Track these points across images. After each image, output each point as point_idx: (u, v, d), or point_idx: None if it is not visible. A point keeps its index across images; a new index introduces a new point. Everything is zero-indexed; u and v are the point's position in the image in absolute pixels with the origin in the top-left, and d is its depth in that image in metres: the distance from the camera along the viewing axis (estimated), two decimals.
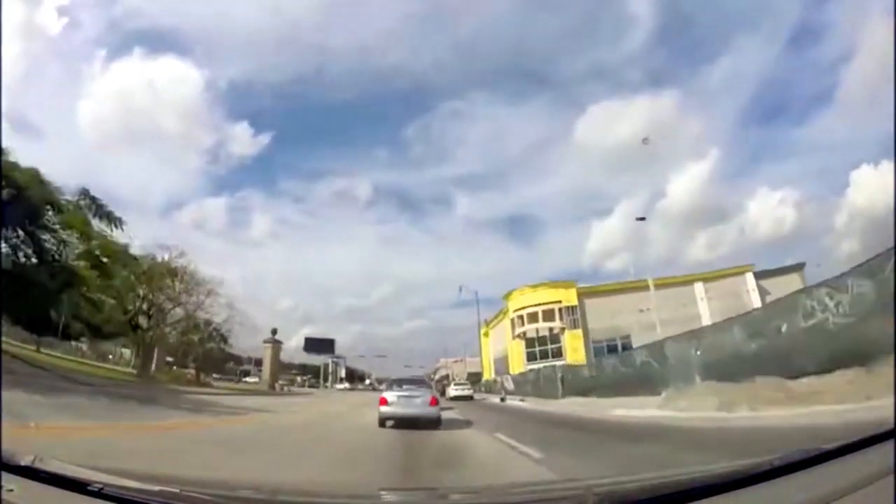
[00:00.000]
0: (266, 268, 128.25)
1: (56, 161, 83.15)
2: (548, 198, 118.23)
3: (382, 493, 2.53)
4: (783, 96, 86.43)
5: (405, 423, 10.14)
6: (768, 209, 73.64)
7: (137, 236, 27.71)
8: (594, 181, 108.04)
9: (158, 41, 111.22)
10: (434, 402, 10.94)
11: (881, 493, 1.21)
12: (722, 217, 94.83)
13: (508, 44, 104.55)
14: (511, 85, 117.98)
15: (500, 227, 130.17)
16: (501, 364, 47.12)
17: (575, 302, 39.96)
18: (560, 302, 40.43)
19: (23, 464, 1.39)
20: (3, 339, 18.89)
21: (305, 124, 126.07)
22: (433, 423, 10.33)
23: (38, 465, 1.40)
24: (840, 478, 1.33)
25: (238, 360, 60.55)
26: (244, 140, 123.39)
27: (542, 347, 40.56)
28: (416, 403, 10.64)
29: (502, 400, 27.97)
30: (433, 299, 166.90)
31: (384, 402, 10.76)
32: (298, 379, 74.99)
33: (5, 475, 1.30)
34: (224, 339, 37.97)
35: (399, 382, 12.35)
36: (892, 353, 7.47)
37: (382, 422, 10.48)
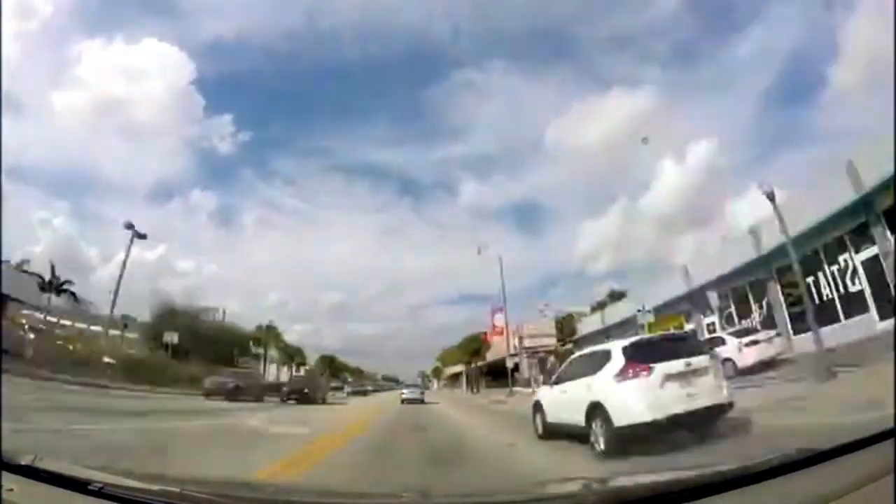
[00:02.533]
0: (254, 258, 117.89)
1: (35, 141, 75.21)
2: (564, 185, 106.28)
3: (382, 493, 2.54)
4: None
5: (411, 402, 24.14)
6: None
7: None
8: (616, 166, 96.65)
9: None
10: (422, 393, 28.49)
11: (881, 493, 1.21)
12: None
13: (531, 6, 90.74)
14: (531, 54, 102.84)
15: (509, 216, 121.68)
16: None
17: None
18: None
19: (23, 464, 1.39)
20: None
21: (298, 93, 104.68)
22: (421, 402, 24.90)
23: (38, 464, 1.40)
24: (840, 478, 1.33)
25: None
26: (228, 110, 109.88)
27: None
28: (416, 394, 26.95)
29: None
30: (433, 295, 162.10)
31: (403, 393, 27.21)
32: None
33: (5, 475, 1.30)
34: None
35: (408, 385, 31.88)
36: (893, 352, 7.49)
37: (402, 401, 24.94)
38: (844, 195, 13.72)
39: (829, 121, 70.89)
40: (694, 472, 1.60)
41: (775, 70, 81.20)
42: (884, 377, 6.47)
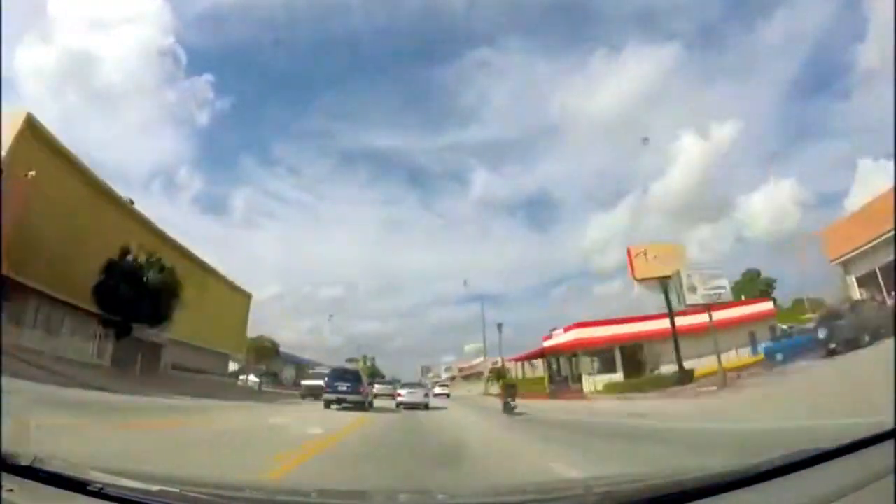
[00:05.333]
0: (249, 250, 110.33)
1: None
2: (581, 175, 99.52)
3: (382, 494, 2.54)
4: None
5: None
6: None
7: None
8: (636, 152, 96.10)
9: None
10: (426, 396, 23.25)
11: (881, 493, 1.21)
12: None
13: None
14: (549, 31, 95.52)
15: (521, 210, 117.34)
16: None
17: None
18: None
19: (23, 464, 1.39)
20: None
21: (298, 71, 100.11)
22: (426, 407, 21.01)
23: (38, 465, 1.40)
24: (840, 478, 1.33)
25: None
26: (222, 88, 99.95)
27: None
28: (419, 397, 21.63)
29: None
30: (438, 292, 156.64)
31: (400, 395, 21.92)
32: None
33: (5, 475, 1.30)
34: None
35: (405, 385, 24.96)
36: (893, 352, 7.48)
37: (398, 405, 21.12)
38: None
39: (856, 112, 69.12)
40: (694, 473, 1.60)
41: (800, 57, 78.79)
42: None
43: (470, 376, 70.84)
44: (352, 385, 17.64)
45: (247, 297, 50.26)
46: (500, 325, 52.91)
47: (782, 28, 75.12)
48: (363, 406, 17.50)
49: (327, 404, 17.41)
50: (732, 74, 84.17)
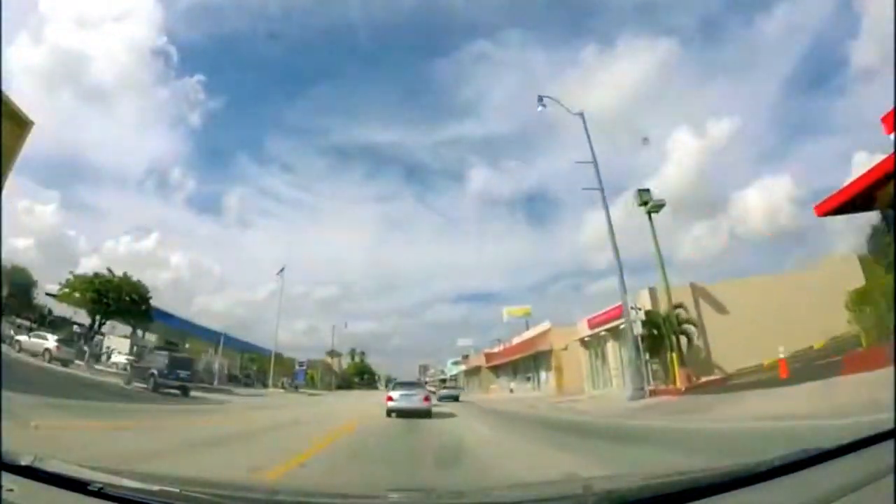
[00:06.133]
0: (246, 250, 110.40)
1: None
2: (579, 171, 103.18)
3: (381, 493, 2.54)
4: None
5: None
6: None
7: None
8: (635, 153, 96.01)
9: None
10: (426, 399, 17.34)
11: (881, 493, 1.21)
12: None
13: None
14: (549, 25, 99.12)
15: (520, 207, 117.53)
16: None
17: None
18: None
19: (23, 464, 1.39)
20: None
21: (293, 64, 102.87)
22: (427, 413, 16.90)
23: (38, 465, 1.40)
24: (840, 478, 1.33)
25: None
26: (213, 83, 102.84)
27: None
28: (415, 401, 16.23)
29: None
30: (438, 291, 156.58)
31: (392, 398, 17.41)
32: None
33: (5, 475, 1.30)
34: None
35: (401, 384, 20.16)
36: (893, 352, 7.48)
37: (389, 412, 17.10)
38: None
39: (852, 109, 69.45)
40: (694, 473, 1.60)
41: (797, 54, 79.29)
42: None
43: (506, 366, 41.34)
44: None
45: (19, 124, 19.97)
46: (644, 193, 22.14)
47: (779, 24, 75.65)
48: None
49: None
50: (730, 70, 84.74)
